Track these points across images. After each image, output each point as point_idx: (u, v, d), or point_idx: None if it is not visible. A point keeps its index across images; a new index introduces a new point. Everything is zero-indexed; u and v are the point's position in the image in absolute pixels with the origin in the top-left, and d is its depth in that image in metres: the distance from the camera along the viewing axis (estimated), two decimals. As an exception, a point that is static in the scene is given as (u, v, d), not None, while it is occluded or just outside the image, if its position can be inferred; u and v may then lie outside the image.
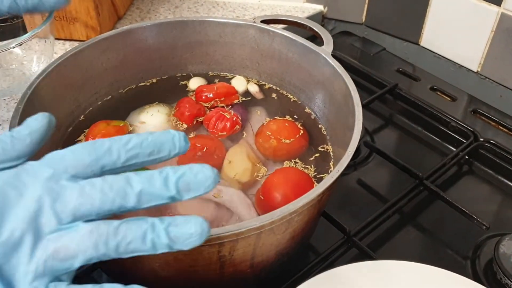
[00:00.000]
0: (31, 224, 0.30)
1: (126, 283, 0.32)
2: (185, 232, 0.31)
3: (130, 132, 0.62)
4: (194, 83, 0.69)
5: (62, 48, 0.86)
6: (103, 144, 0.32)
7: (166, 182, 0.31)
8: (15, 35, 0.82)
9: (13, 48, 0.71)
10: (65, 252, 0.30)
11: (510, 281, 0.56)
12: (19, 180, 0.31)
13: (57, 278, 0.31)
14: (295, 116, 0.65)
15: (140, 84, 0.69)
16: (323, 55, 0.61)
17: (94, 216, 0.31)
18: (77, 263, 0.31)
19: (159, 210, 0.53)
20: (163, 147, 0.33)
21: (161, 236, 0.31)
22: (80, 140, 0.60)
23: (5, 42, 0.80)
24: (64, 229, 0.31)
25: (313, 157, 0.60)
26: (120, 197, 0.31)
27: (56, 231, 0.31)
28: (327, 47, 0.62)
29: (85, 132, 0.61)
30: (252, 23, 0.66)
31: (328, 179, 0.45)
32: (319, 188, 0.44)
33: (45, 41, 0.77)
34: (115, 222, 0.31)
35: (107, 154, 0.32)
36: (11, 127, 0.49)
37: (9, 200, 0.31)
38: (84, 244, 0.30)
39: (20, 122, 0.50)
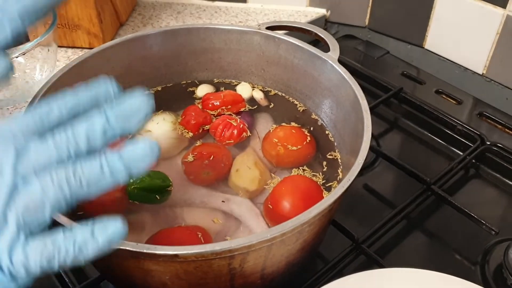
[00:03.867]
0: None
1: None
2: (138, 153, 0.33)
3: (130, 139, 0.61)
4: (202, 90, 0.69)
5: (64, 56, 0.86)
6: (43, 105, 0.34)
7: (107, 120, 0.33)
8: (17, 44, 0.82)
9: (16, 57, 0.71)
10: (34, 203, 0.32)
11: (521, 287, 0.56)
12: None
13: (31, 234, 0.33)
14: (301, 123, 0.65)
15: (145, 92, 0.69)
16: (329, 61, 0.61)
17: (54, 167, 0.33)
18: (47, 211, 0.32)
19: (167, 222, 0.53)
20: (99, 95, 0.35)
21: (116, 163, 0.33)
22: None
23: (7, 51, 0.80)
24: (28, 184, 0.32)
25: (322, 165, 0.59)
26: (72, 145, 0.33)
27: (22, 188, 0.32)
28: (334, 53, 0.62)
29: None
30: (258, 30, 0.66)
31: (339, 189, 0.44)
32: (330, 198, 0.43)
33: (48, 49, 0.76)
34: (72, 164, 0.33)
35: (50, 112, 0.34)
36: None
37: None
38: (48, 189, 0.32)
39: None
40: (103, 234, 0.32)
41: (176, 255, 0.39)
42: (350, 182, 0.45)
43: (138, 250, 0.39)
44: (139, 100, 0.34)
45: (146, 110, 0.34)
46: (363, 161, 0.47)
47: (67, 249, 0.32)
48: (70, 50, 0.87)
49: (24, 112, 0.35)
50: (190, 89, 0.70)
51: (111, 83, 0.36)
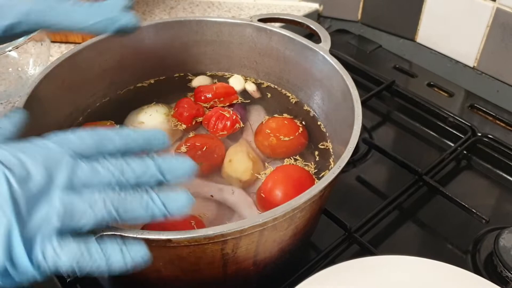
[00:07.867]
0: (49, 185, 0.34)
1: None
2: (178, 205, 0.37)
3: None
4: (198, 82, 0.69)
5: (58, 51, 0.86)
6: (102, 130, 0.38)
7: (157, 166, 0.37)
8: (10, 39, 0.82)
9: (10, 51, 0.71)
10: (78, 211, 0.34)
11: (511, 273, 0.57)
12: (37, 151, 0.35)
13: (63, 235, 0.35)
14: (294, 114, 0.65)
15: (138, 85, 0.69)
16: (321, 52, 0.61)
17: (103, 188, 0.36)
18: (88, 224, 0.35)
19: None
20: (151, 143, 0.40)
21: (160, 207, 0.36)
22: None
23: (0, 46, 0.80)
24: (78, 194, 0.35)
25: (314, 155, 0.60)
26: (125, 174, 0.37)
27: (70, 194, 0.35)
28: (325, 45, 0.62)
29: None
30: (250, 22, 0.66)
31: (330, 175, 0.45)
32: (321, 184, 0.44)
33: (41, 44, 0.77)
34: (123, 192, 0.36)
35: (106, 139, 0.38)
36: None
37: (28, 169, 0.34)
38: (97, 207, 0.35)
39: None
40: (132, 252, 0.35)
41: (169, 240, 0.40)
42: (340, 168, 0.46)
43: (131, 235, 0.39)
44: (187, 163, 0.39)
45: (191, 171, 0.39)
46: (353, 148, 0.48)
47: (97, 258, 0.34)
48: (63, 46, 0.87)
49: (84, 131, 0.38)
50: (189, 77, 0.70)
51: (165, 136, 0.40)
